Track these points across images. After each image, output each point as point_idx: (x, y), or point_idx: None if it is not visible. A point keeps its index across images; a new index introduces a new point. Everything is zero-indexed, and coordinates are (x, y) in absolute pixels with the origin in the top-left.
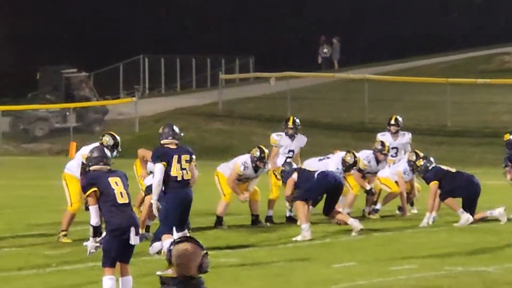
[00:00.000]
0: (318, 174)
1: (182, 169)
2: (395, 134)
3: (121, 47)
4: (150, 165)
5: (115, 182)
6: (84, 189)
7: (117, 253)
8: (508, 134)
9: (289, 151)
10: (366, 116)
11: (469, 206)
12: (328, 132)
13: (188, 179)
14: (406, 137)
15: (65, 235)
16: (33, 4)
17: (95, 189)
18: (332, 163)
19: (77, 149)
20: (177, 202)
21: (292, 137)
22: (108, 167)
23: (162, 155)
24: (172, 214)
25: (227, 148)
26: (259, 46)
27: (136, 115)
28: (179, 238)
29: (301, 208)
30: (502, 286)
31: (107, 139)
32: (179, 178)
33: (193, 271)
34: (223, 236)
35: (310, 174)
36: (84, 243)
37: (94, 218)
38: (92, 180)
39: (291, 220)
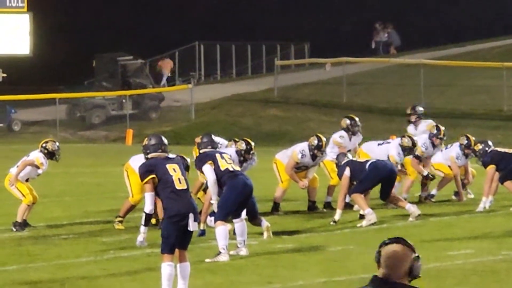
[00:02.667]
0: (369, 165)
1: (227, 163)
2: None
3: (177, 34)
4: None
5: (173, 169)
6: (142, 176)
7: (176, 239)
8: None
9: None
10: (422, 100)
11: None
12: (384, 117)
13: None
14: (423, 125)
15: (120, 221)
16: None
17: (153, 176)
18: (393, 148)
19: (133, 136)
20: (237, 190)
21: (353, 134)
22: (166, 154)
23: (205, 158)
24: (231, 202)
25: (283, 134)
26: (314, 32)
27: (192, 102)
28: (389, 239)
29: (358, 198)
30: None
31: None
32: (231, 169)
33: (403, 275)
34: (279, 222)
35: (362, 165)
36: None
37: (148, 205)
38: (150, 167)
39: (329, 206)
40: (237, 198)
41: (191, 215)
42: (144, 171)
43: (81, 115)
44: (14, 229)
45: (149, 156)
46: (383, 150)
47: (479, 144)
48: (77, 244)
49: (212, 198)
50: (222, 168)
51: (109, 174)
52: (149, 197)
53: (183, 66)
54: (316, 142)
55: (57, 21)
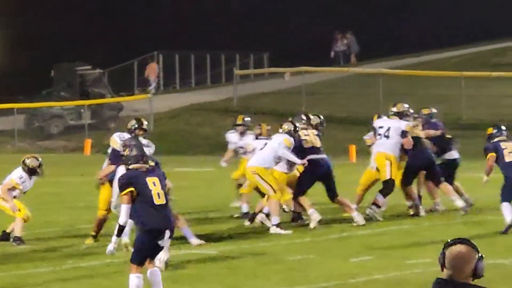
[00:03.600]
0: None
1: None
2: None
3: (135, 44)
4: None
5: (152, 183)
6: (121, 187)
7: (149, 252)
8: None
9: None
10: (381, 110)
11: None
12: (343, 127)
13: None
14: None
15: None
16: (46, 2)
17: (132, 189)
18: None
19: (92, 146)
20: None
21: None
22: (147, 166)
23: None
24: None
25: None
26: (273, 41)
27: (151, 111)
28: (452, 240)
29: (302, 200)
30: None
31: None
32: None
33: (467, 275)
34: (240, 230)
35: None
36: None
37: (123, 217)
38: (130, 180)
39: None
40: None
41: (167, 232)
42: (124, 183)
43: (39, 125)
44: (15, 244)
45: (130, 167)
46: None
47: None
48: (35, 254)
49: None
50: None
51: (68, 184)
52: (125, 209)
53: (142, 75)
54: (291, 126)
55: (15, 32)
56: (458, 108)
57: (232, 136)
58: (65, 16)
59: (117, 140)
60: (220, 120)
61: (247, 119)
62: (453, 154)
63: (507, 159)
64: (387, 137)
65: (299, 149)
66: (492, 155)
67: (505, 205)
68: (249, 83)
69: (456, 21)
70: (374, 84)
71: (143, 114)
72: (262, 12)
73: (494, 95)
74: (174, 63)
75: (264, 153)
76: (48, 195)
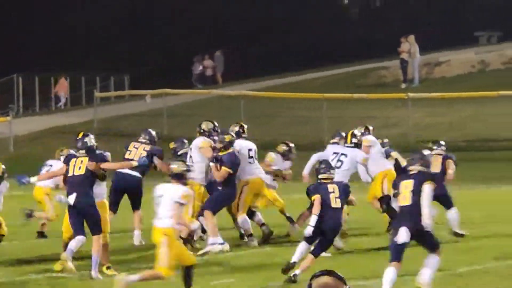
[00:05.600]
0: None
1: None
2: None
3: None
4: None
5: None
6: None
7: None
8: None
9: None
10: None
11: None
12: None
13: None
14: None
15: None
16: None
17: None
18: None
19: None
20: None
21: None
22: None
23: None
24: None
25: None
26: (134, 64)
27: (10, 134)
28: (319, 271)
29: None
30: None
31: None
32: None
33: None
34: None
35: None
36: None
37: None
38: None
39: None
40: None
41: None
42: None
43: None
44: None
45: None
46: None
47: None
48: None
49: None
50: None
51: None
52: None
53: (1, 98)
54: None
55: None
56: (321, 130)
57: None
58: None
59: None
60: None
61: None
62: None
63: None
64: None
65: None
66: None
67: None
68: (110, 106)
69: (321, 43)
70: (236, 106)
71: (2, 137)
72: (123, 34)
73: (356, 116)
74: (34, 85)
75: None
76: None
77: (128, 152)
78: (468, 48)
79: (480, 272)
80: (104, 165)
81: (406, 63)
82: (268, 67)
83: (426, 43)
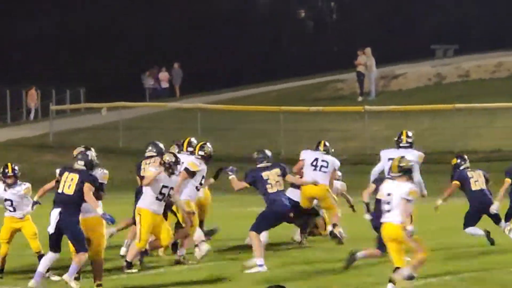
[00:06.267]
0: None
1: None
2: None
3: None
4: None
5: None
6: None
7: None
8: None
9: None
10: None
11: None
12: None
13: None
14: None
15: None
16: None
17: None
18: None
19: None
20: None
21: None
22: None
23: None
24: None
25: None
26: (90, 76)
27: None
28: (269, 286)
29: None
30: None
31: None
32: None
33: None
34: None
35: None
36: None
37: None
38: None
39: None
40: None
41: None
42: None
43: None
44: None
45: None
46: None
47: None
48: None
49: None
50: None
51: None
52: None
53: None
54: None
55: None
56: (278, 142)
57: None
58: None
59: None
60: (35, 156)
61: None
62: None
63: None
64: None
65: None
66: (455, 183)
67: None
68: (66, 119)
69: (277, 55)
70: (192, 119)
71: None
72: (79, 47)
73: (313, 129)
74: None
75: None
76: None
77: (142, 170)
78: (425, 61)
79: (435, 285)
80: (87, 197)
81: (363, 76)
82: (223, 80)
83: (383, 56)
